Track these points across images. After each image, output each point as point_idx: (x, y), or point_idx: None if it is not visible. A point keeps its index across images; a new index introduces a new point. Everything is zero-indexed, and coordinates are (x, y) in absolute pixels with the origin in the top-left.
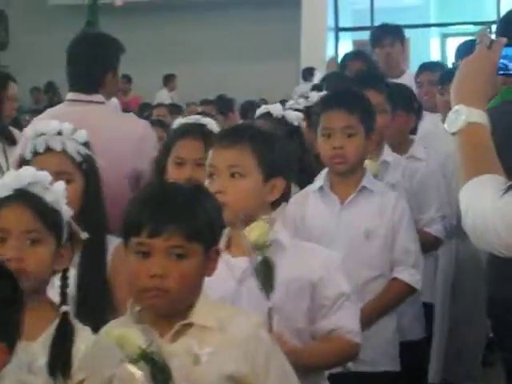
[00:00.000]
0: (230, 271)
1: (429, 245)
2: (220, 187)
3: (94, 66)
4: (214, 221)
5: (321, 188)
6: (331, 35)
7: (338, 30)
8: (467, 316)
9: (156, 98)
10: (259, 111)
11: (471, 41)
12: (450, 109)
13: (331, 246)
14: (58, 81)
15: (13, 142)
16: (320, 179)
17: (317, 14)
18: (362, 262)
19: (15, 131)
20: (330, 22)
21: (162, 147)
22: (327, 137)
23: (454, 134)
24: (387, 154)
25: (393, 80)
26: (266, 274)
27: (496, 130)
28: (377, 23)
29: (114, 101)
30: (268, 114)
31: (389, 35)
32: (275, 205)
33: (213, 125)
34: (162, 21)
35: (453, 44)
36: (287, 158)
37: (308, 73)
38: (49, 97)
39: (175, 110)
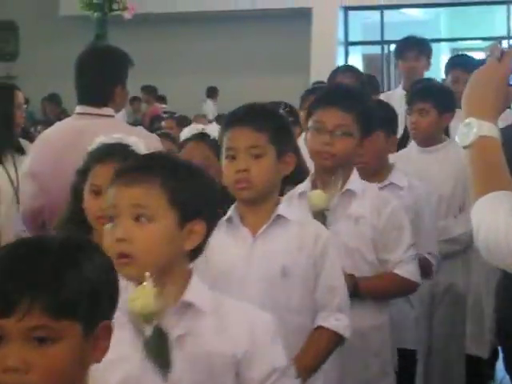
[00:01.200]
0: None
1: (400, 290)
2: (123, 234)
3: (103, 79)
4: (97, 287)
5: (229, 219)
6: (341, 49)
7: (348, 44)
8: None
9: (203, 110)
10: (189, 131)
11: (462, 55)
12: (417, 130)
13: (242, 286)
14: (67, 91)
15: (21, 152)
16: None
17: (327, 28)
18: (278, 305)
19: (24, 142)
20: (340, 36)
21: (77, 171)
22: (231, 158)
23: (465, 147)
24: (354, 181)
25: None
26: (158, 348)
27: (507, 144)
28: (387, 38)
29: (121, 113)
30: (202, 135)
31: (415, 48)
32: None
33: (139, 145)
34: (172, 33)
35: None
36: (208, 196)
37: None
38: (51, 108)
39: (182, 121)
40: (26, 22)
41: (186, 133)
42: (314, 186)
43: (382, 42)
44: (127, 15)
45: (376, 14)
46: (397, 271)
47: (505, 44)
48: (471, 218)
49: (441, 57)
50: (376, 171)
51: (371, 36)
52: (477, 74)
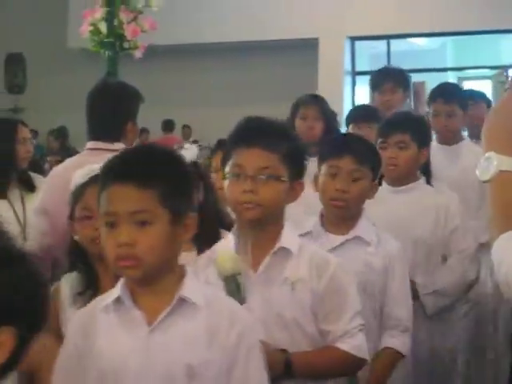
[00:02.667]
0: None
1: (343, 368)
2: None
3: (115, 115)
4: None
5: (118, 299)
6: (348, 79)
7: (355, 73)
8: None
9: None
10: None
11: (445, 85)
12: (392, 165)
13: None
14: (75, 123)
15: (32, 188)
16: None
17: (334, 58)
18: None
19: (36, 176)
20: (347, 66)
21: (71, 195)
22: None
23: (485, 182)
24: (288, 237)
25: None
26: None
27: None
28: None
29: None
30: None
31: (390, 80)
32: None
33: None
34: (179, 65)
35: (469, 87)
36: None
37: None
38: (60, 142)
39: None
40: (34, 54)
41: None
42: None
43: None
44: (138, 54)
45: (382, 44)
46: (340, 345)
47: (511, 72)
48: (492, 254)
49: None
50: (344, 219)
51: (378, 65)
52: (496, 107)
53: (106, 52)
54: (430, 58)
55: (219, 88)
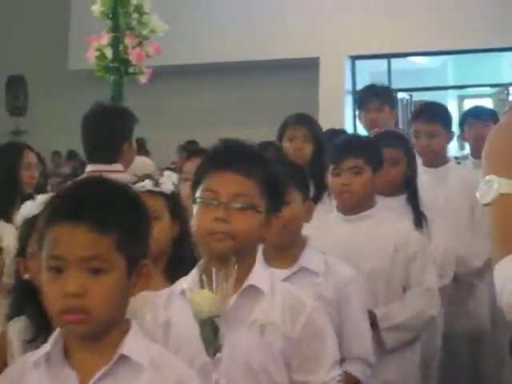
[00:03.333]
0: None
1: None
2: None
3: (111, 137)
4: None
5: (48, 356)
6: (349, 98)
7: (356, 92)
8: None
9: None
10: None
11: (426, 105)
12: (348, 192)
13: None
14: (77, 145)
15: None
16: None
17: (335, 78)
18: None
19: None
20: (348, 85)
21: (20, 228)
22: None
23: (485, 205)
24: (258, 274)
25: None
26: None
27: None
28: (394, 86)
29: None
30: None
31: (376, 98)
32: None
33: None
34: (182, 86)
35: (470, 106)
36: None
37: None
38: (72, 165)
39: None
40: (35, 76)
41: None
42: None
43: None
44: (143, 79)
45: (383, 63)
46: None
47: (511, 90)
48: (494, 278)
49: (448, 104)
50: (284, 250)
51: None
52: (496, 129)
53: (112, 77)
54: (431, 77)
55: (218, 108)
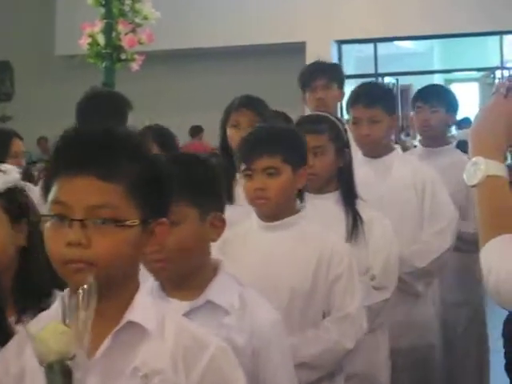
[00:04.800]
0: None
1: None
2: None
3: (105, 123)
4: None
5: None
6: None
7: None
8: None
9: None
10: None
11: (367, 85)
12: (262, 199)
13: None
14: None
15: None
16: None
17: None
18: None
19: (26, 185)
20: None
21: None
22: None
23: (472, 187)
24: (143, 306)
25: None
26: None
27: None
28: (381, 70)
29: None
30: None
31: (322, 75)
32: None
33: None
34: (172, 71)
35: (457, 89)
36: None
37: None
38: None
39: None
40: (21, 62)
41: None
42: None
43: (376, 75)
44: (135, 66)
45: (369, 47)
46: None
47: (498, 74)
48: (481, 259)
49: None
50: (187, 278)
51: (365, 69)
52: (483, 111)
53: (104, 63)
54: (417, 61)
55: (208, 93)
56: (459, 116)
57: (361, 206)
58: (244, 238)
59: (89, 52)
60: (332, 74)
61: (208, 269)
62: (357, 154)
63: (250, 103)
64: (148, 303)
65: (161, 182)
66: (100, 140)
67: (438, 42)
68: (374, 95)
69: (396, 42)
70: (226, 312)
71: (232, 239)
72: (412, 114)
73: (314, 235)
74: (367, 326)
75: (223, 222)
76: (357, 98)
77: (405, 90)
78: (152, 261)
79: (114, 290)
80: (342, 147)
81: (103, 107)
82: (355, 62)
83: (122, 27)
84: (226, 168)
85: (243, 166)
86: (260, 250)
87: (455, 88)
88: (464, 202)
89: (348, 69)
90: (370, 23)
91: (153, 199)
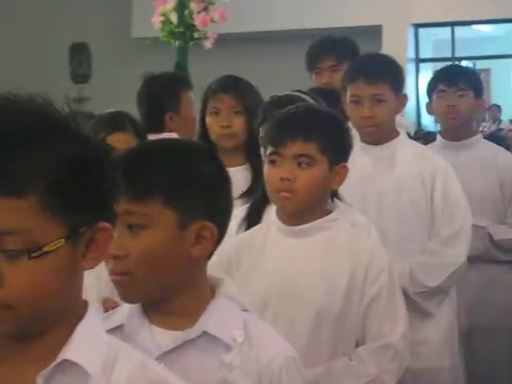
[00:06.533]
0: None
1: None
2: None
3: (150, 108)
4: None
5: None
6: (412, 67)
7: (419, 61)
8: None
9: None
10: None
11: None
12: (287, 193)
13: None
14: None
15: None
16: None
17: (397, 46)
18: None
19: None
20: (411, 54)
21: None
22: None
23: None
24: (87, 339)
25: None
26: None
27: None
28: (458, 54)
29: None
30: None
31: (330, 54)
32: None
33: None
34: (246, 53)
35: None
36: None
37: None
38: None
39: None
40: (98, 44)
41: None
42: None
43: (453, 59)
44: (208, 44)
45: (446, 31)
46: None
47: None
48: None
49: None
50: (164, 299)
51: (442, 53)
52: None
53: (177, 42)
54: (496, 45)
55: (283, 76)
56: None
57: (342, 211)
58: (263, 243)
59: (162, 31)
60: (341, 51)
61: (201, 290)
62: (354, 141)
63: (229, 86)
64: (93, 337)
65: (92, 174)
66: None
67: None
68: (377, 69)
69: (474, 26)
70: (227, 347)
71: (250, 240)
72: (434, 98)
73: (346, 243)
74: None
75: (213, 235)
76: (356, 72)
77: (483, 74)
78: (111, 272)
79: (44, 329)
80: None
81: (150, 91)
82: (432, 45)
83: (194, 5)
84: None
85: (270, 149)
86: (277, 262)
87: None
88: (500, 203)
89: (425, 53)
90: (447, 6)
91: (83, 200)
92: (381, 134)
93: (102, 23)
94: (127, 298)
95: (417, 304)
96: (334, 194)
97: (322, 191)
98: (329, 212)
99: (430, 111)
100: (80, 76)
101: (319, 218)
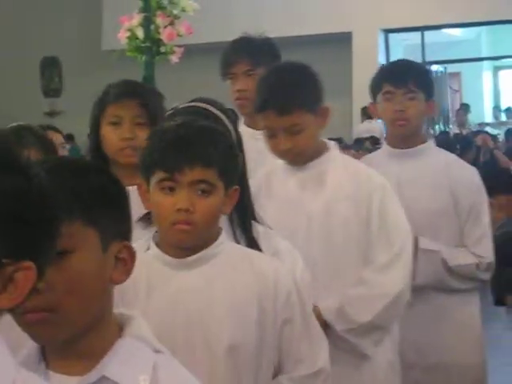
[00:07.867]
0: None
1: None
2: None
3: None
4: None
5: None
6: None
7: None
8: None
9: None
10: None
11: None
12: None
13: None
14: None
15: None
16: None
17: (368, 52)
18: None
19: None
20: (382, 59)
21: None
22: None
23: None
24: None
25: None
26: None
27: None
28: (428, 59)
29: None
30: None
31: (244, 57)
32: None
33: None
34: (214, 65)
35: (505, 76)
36: None
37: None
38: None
39: None
40: (69, 57)
41: None
42: None
43: (424, 64)
44: (174, 58)
45: (417, 36)
46: None
47: None
48: None
49: (483, 76)
50: (75, 338)
51: (412, 57)
52: None
53: (143, 57)
54: (465, 49)
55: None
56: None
57: (263, 237)
58: (147, 284)
59: (128, 46)
60: (255, 53)
61: (109, 326)
62: (276, 162)
63: (134, 91)
64: None
65: (11, 204)
66: None
67: (485, 28)
68: (290, 96)
69: (443, 30)
70: None
71: (131, 284)
72: (380, 100)
73: (245, 264)
74: None
75: (133, 255)
76: (266, 103)
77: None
78: (27, 311)
79: None
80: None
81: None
82: (403, 50)
83: (160, 20)
84: None
85: (161, 175)
86: (175, 299)
87: (504, 75)
88: (454, 221)
89: (395, 58)
90: (417, 11)
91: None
92: (304, 156)
93: (73, 36)
94: (48, 339)
95: (349, 344)
96: (253, 218)
97: (218, 218)
98: (217, 236)
99: (373, 113)
100: (51, 90)
101: (211, 243)
